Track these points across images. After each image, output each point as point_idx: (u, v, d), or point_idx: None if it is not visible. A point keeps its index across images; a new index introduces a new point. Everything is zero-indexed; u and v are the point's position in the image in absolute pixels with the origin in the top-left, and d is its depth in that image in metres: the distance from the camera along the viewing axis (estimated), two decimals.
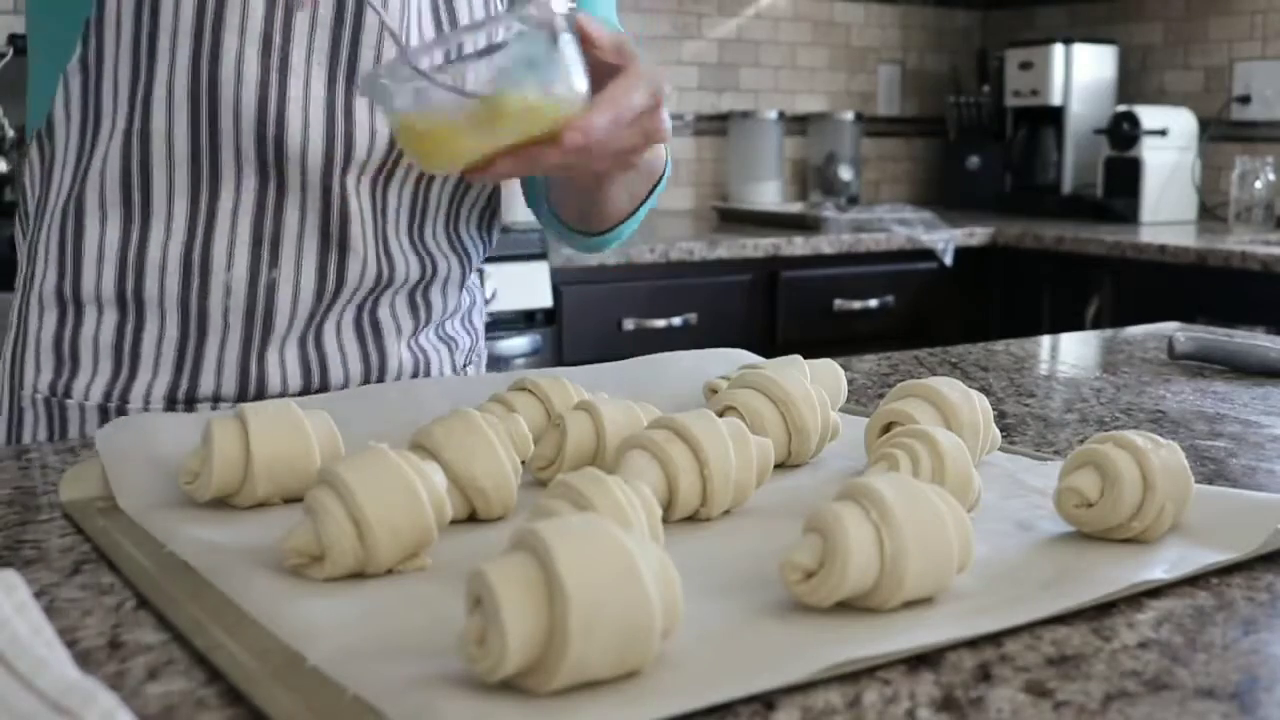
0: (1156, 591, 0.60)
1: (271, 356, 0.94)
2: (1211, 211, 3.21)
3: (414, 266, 0.98)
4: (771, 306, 2.69)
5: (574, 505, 0.58)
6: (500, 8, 0.97)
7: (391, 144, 0.92)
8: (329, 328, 0.96)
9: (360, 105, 0.91)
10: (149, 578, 0.60)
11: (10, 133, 2.33)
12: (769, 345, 2.60)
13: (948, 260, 2.85)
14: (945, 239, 2.85)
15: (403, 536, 0.60)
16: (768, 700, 0.48)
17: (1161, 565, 0.62)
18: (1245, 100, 3.24)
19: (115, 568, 0.63)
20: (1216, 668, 0.52)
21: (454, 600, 0.52)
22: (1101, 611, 0.57)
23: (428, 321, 1.02)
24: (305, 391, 0.95)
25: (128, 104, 0.89)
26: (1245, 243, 2.68)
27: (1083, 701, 0.49)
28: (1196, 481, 0.68)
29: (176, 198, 0.90)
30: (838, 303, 2.75)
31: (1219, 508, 0.69)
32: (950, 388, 0.79)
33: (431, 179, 0.96)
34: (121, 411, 0.93)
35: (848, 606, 0.56)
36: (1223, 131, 3.24)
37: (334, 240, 0.93)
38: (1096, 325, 2.71)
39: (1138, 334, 1.40)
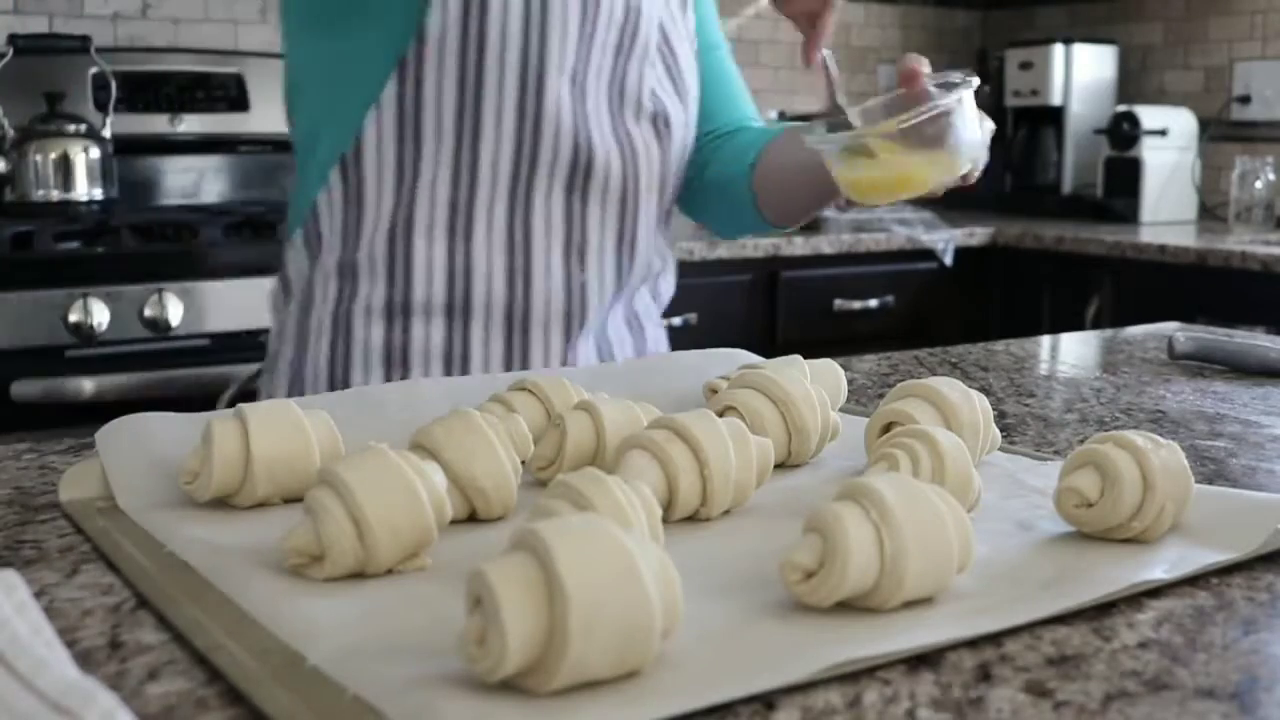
0: (1157, 591, 0.60)
1: (581, 348, 1.08)
2: (1211, 211, 3.21)
3: (655, 260, 1.16)
4: (771, 306, 2.69)
5: (574, 505, 0.58)
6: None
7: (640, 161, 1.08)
8: (613, 319, 1.13)
9: (635, 127, 1.07)
10: (149, 578, 0.60)
11: (10, 132, 2.33)
12: (769, 345, 2.60)
13: (948, 260, 2.85)
14: (945, 239, 2.85)
15: (403, 536, 0.60)
16: (768, 700, 0.48)
17: (1162, 565, 0.62)
18: (1245, 100, 3.24)
19: (115, 568, 0.63)
20: (1216, 668, 0.52)
21: (454, 600, 0.52)
22: (1101, 611, 0.57)
23: (658, 308, 1.21)
24: None
25: (453, 135, 1.00)
26: (1245, 243, 2.68)
27: (1083, 701, 0.49)
28: (1197, 481, 0.68)
29: (496, 216, 1.02)
30: (838, 303, 2.75)
31: (1219, 508, 0.69)
32: (950, 388, 0.79)
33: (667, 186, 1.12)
34: None
35: (848, 606, 0.56)
36: (1223, 131, 3.24)
37: (626, 242, 1.09)
38: (1096, 325, 2.71)
39: (1138, 334, 1.40)
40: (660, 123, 1.08)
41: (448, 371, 1.04)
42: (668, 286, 1.20)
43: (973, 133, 0.90)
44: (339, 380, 1.04)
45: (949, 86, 0.89)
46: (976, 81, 0.89)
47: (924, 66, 0.91)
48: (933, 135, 0.87)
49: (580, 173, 1.03)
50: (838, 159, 0.91)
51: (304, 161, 1.07)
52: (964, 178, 0.93)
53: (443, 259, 1.02)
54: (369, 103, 0.98)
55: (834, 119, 0.93)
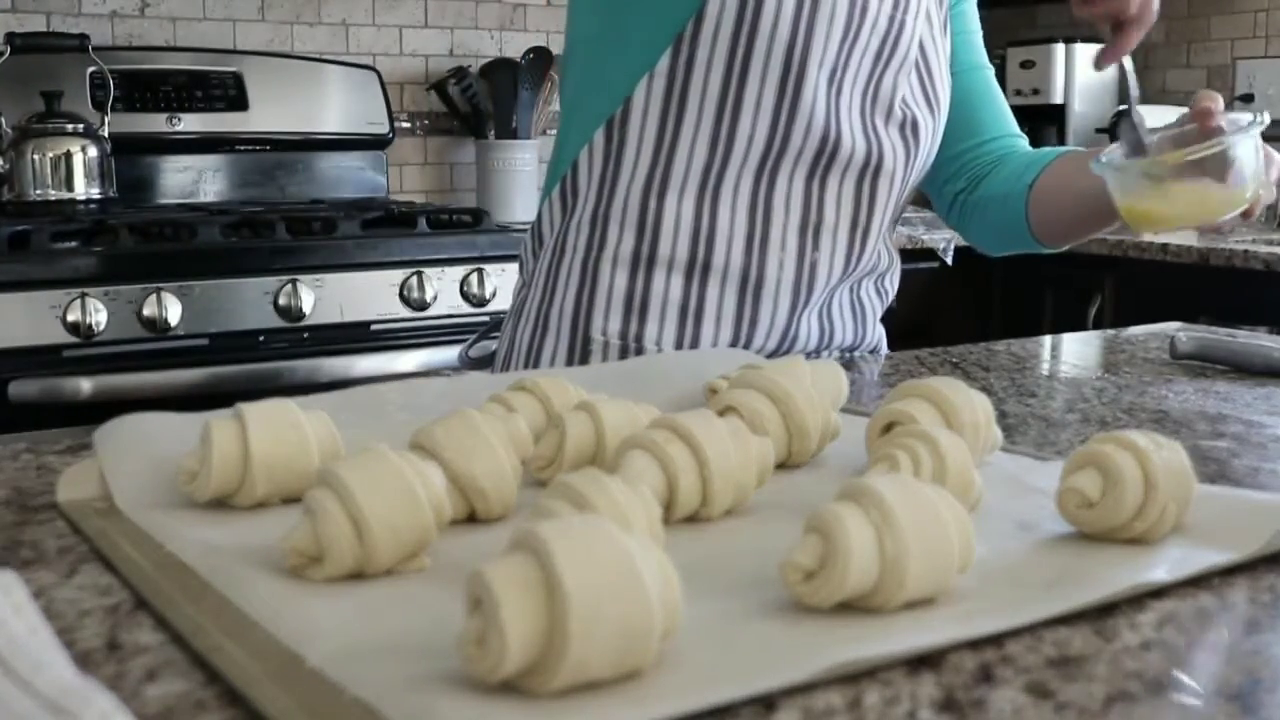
0: (1158, 592, 0.60)
1: (804, 320, 1.15)
2: None
3: (884, 255, 1.22)
4: None
5: (574, 505, 0.58)
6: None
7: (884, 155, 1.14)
8: (838, 300, 1.19)
9: (884, 129, 1.14)
10: (147, 578, 0.60)
11: (8, 131, 2.33)
12: None
13: (949, 260, 2.85)
14: (946, 238, 2.85)
15: (402, 537, 0.59)
16: (768, 701, 0.48)
17: (1163, 566, 0.61)
18: (1248, 99, 3.24)
19: (113, 568, 0.63)
20: (1219, 669, 0.52)
21: (454, 601, 0.51)
22: (1103, 612, 0.57)
23: (882, 304, 1.27)
24: (816, 351, 1.18)
25: (715, 109, 1.08)
26: (1248, 242, 2.68)
27: (1084, 703, 0.49)
28: (1199, 482, 0.68)
29: (743, 186, 1.10)
30: None
31: (1221, 508, 0.69)
32: (951, 388, 0.79)
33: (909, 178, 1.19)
34: None
35: (848, 607, 0.55)
36: None
37: (859, 230, 1.16)
38: (1098, 325, 2.71)
39: (1140, 334, 1.39)
40: (909, 129, 1.15)
41: (683, 323, 1.12)
42: (893, 284, 1.27)
43: (1258, 170, 0.93)
44: (581, 324, 1.13)
45: (1238, 124, 0.92)
46: (1266, 121, 0.93)
47: (1217, 104, 0.96)
48: (1218, 171, 0.90)
49: (824, 160, 1.11)
50: (1120, 186, 0.95)
51: (567, 123, 1.16)
52: (1245, 214, 0.96)
53: (690, 219, 1.11)
54: (642, 72, 1.08)
55: (1127, 135, 0.98)
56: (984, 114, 1.27)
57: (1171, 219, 0.95)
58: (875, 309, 1.25)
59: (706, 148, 1.09)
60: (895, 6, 1.12)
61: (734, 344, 1.12)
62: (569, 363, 1.14)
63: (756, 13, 1.05)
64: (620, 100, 1.10)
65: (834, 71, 1.08)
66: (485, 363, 1.31)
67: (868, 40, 1.10)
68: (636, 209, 1.11)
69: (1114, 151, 0.99)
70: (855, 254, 1.17)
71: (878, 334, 1.26)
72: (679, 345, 1.12)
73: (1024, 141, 1.30)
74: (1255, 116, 0.91)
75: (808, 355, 1.18)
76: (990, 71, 1.31)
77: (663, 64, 1.08)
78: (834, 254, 1.16)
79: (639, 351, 1.12)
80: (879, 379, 1.14)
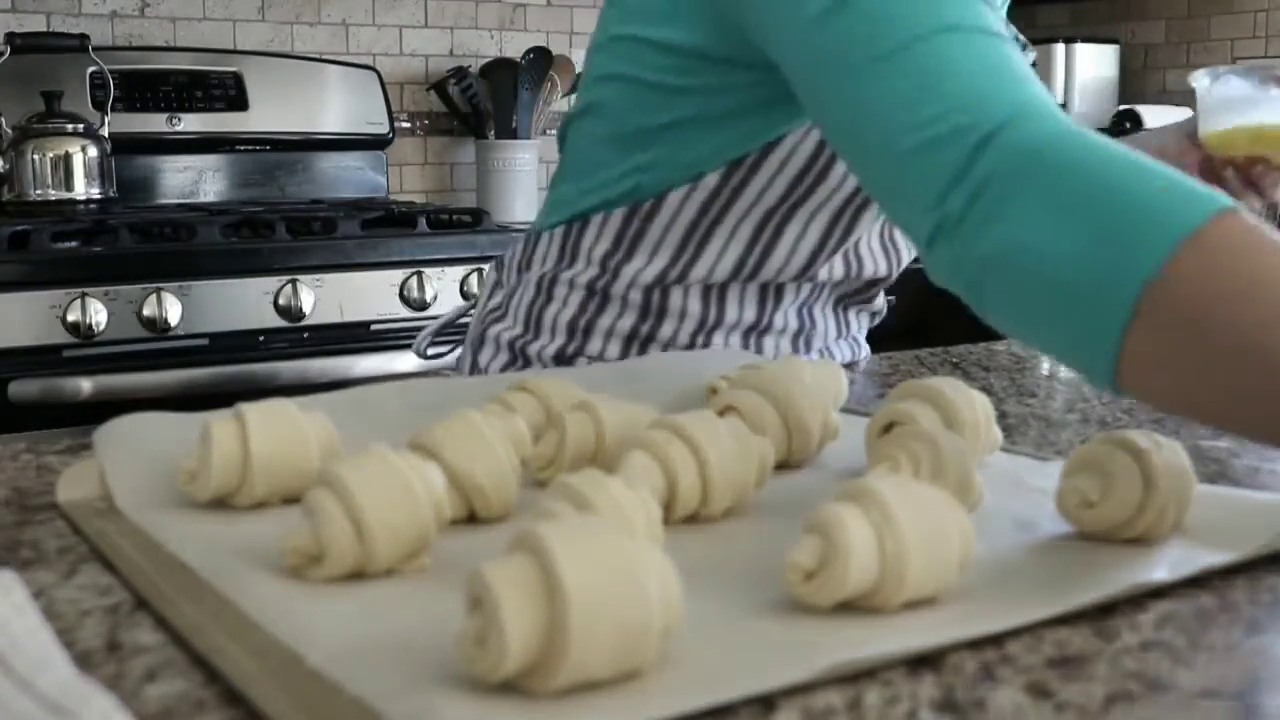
0: (1159, 592, 0.60)
1: (777, 319, 1.12)
2: None
3: (883, 264, 1.16)
4: None
5: (574, 506, 0.58)
6: None
7: None
8: (819, 304, 1.16)
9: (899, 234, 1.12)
10: (147, 578, 0.60)
11: (8, 131, 2.33)
12: None
13: None
14: None
15: (402, 537, 0.59)
16: (768, 700, 0.48)
17: (1163, 566, 0.61)
18: None
19: (113, 568, 0.63)
20: (1219, 669, 0.52)
21: (453, 601, 0.51)
22: (1103, 612, 0.57)
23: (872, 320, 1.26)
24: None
25: (749, 237, 1.06)
26: None
27: (1084, 703, 0.49)
28: (1199, 482, 0.68)
29: (749, 290, 1.10)
30: None
31: (1222, 508, 0.69)
32: (951, 388, 0.79)
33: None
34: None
35: (848, 607, 0.55)
36: None
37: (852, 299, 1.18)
38: None
39: None
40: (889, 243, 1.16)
41: (701, 325, 1.09)
42: (881, 302, 1.26)
43: None
44: (579, 330, 1.10)
45: None
46: None
47: None
48: None
49: (848, 284, 1.14)
50: (1212, 108, 0.92)
51: (587, 164, 1.10)
52: None
53: (697, 313, 1.09)
54: (685, 178, 1.03)
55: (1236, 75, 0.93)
56: None
57: (1253, 137, 0.91)
58: (861, 327, 1.25)
59: (732, 266, 1.06)
60: None
61: (759, 318, 1.12)
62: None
63: (830, 161, 0.99)
64: (655, 190, 1.04)
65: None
66: (443, 355, 1.29)
67: None
68: (640, 296, 1.08)
69: (1204, 76, 0.94)
70: (848, 313, 1.21)
71: (861, 350, 1.25)
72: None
73: None
74: None
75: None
76: None
77: (711, 179, 1.01)
78: (826, 321, 1.18)
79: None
80: (879, 379, 1.14)
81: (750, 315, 1.10)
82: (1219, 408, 0.62)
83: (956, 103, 0.69)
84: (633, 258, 1.08)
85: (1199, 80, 0.93)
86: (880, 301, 1.25)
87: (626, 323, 1.09)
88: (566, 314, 1.11)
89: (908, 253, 1.16)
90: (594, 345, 1.10)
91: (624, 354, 1.10)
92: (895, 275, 1.19)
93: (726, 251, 1.06)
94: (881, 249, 1.14)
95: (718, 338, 1.10)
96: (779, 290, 1.10)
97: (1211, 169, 0.95)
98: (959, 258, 0.69)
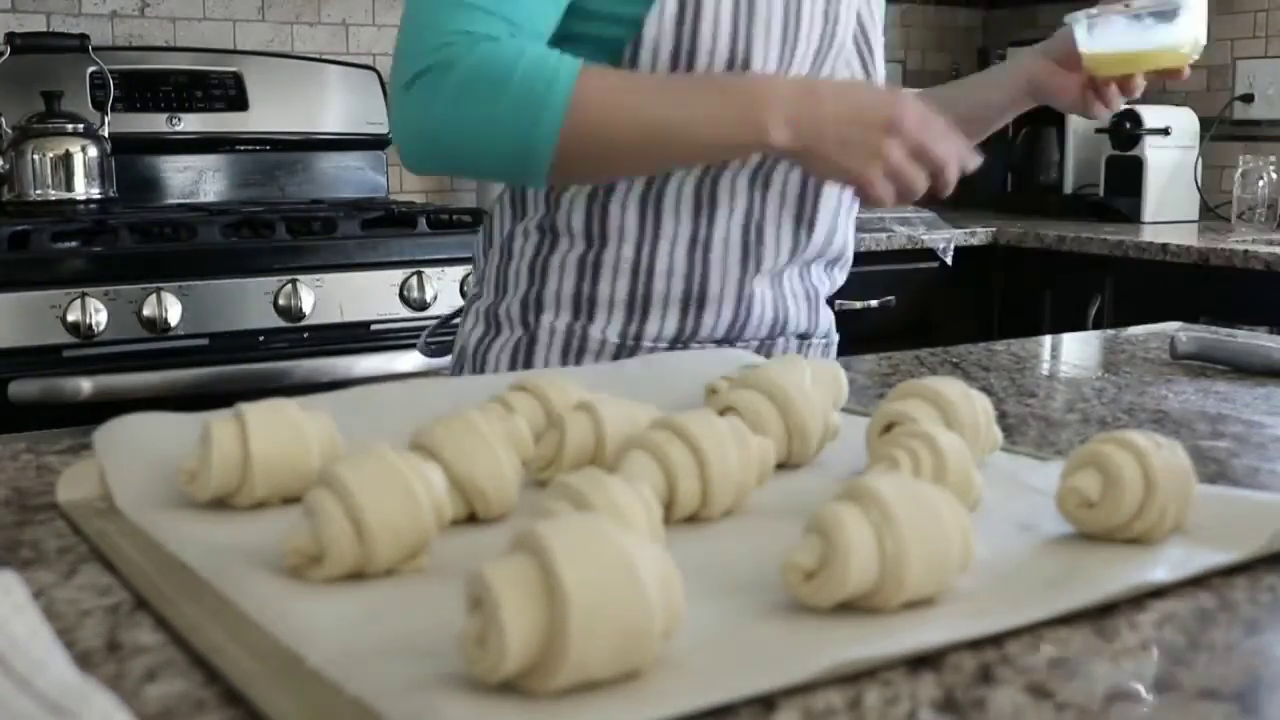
0: (1158, 592, 0.60)
1: (757, 286, 1.16)
2: (1214, 211, 3.21)
3: (838, 241, 1.22)
4: None
5: (574, 505, 0.58)
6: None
7: None
8: (789, 277, 1.19)
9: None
10: (147, 578, 0.60)
11: (8, 131, 2.33)
12: None
13: (949, 260, 2.85)
14: (946, 238, 2.85)
15: (402, 537, 0.59)
16: (768, 700, 0.48)
17: (1163, 566, 0.61)
18: (1248, 99, 3.24)
19: (113, 568, 0.63)
20: (1219, 669, 0.52)
21: (453, 601, 0.51)
22: (1103, 612, 0.57)
23: (832, 288, 1.28)
24: (770, 336, 1.19)
25: None
26: (1248, 242, 2.68)
27: (1084, 703, 0.49)
28: (1199, 482, 0.68)
29: (685, 191, 1.13)
30: (838, 303, 2.74)
31: (1222, 509, 0.69)
32: (951, 388, 0.79)
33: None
34: (635, 351, 1.14)
35: (848, 607, 0.55)
36: (1225, 130, 3.24)
37: (804, 221, 1.17)
38: (1098, 325, 2.70)
39: (1140, 334, 1.39)
40: None
41: (629, 316, 1.15)
42: (843, 274, 1.28)
43: (1199, 35, 1.14)
44: (531, 322, 1.16)
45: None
46: None
47: None
48: (1167, 26, 1.13)
49: (767, 160, 1.12)
50: (1088, 34, 1.15)
51: None
52: (1180, 71, 1.17)
53: (634, 225, 1.13)
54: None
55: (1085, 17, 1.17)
56: None
57: (1129, 59, 1.15)
58: (824, 290, 1.26)
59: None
60: (829, 2, 1.12)
61: (679, 332, 1.15)
62: (513, 359, 1.17)
63: (695, 31, 1.05)
64: None
65: (777, 72, 1.08)
66: (447, 350, 1.32)
67: (806, 42, 1.10)
68: (582, 217, 1.13)
69: (1081, 17, 1.17)
70: (801, 244, 1.19)
71: (828, 319, 1.27)
72: (623, 337, 1.14)
73: None
74: None
75: (761, 342, 1.19)
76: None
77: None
78: (779, 244, 1.17)
79: (584, 341, 1.15)
80: (879, 379, 1.14)
81: (687, 227, 1.13)
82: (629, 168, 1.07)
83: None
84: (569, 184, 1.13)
85: (1077, 26, 1.15)
86: (845, 258, 1.27)
87: (574, 254, 1.14)
88: (525, 264, 1.17)
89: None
90: (550, 285, 1.15)
91: (577, 287, 1.14)
92: (826, 218, 1.20)
93: None
94: (797, 193, 1.17)
95: (661, 252, 1.12)
96: (714, 199, 1.13)
97: (1093, 82, 1.19)
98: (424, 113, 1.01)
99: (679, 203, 1.12)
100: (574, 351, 1.15)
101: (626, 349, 1.14)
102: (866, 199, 1.04)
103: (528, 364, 1.16)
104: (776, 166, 1.13)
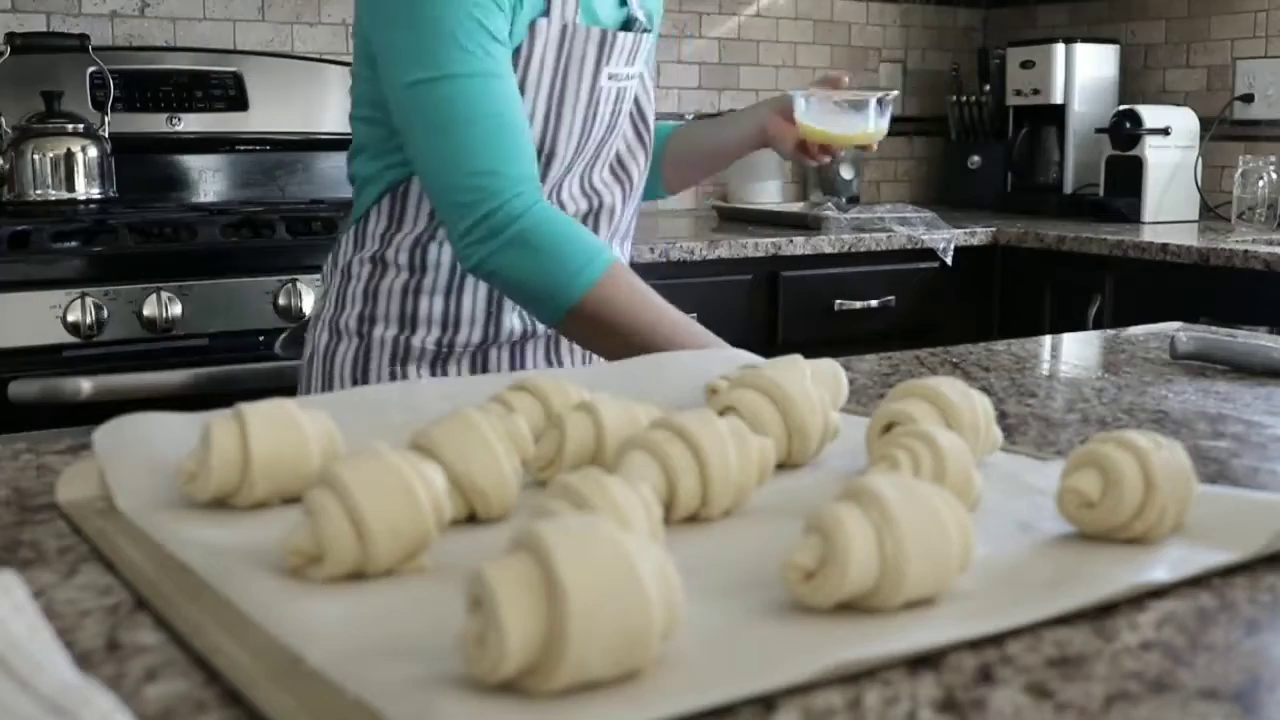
0: (1159, 592, 0.60)
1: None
2: (1214, 211, 3.21)
3: (617, 192, 1.41)
4: (772, 306, 2.69)
5: (574, 506, 0.58)
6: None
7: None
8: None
9: (599, 176, 1.39)
10: (147, 578, 0.60)
11: (8, 131, 2.33)
12: (769, 345, 2.60)
13: (948, 260, 2.85)
14: (946, 238, 2.85)
15: (402, 537, 0.59)
16: (768, 700, 0.48)
17: (1163, 566, 0.61)
18: (1248, 99, 3.24)
19: (113, 568, 0.63)
20: (1219, 669, 0.52)
21: (454, 601, 0.51)
22: (1103, 612, 0.57)
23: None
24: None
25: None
26: (1248, 242, 2.67)
27: (1084, 703, 0.49)
28: (1199, 482, 0.68)
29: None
30: (838, 303, 2.74)
31: (1222, 508, 0.69)
32: (951, 388, 0.79)
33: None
34: (449, 355, 1.34)
35: (848, 607, 0.55)
36: (1225, 130, 3.24)
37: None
38: (1098, 325, 2.70)
39: (1140, 334, 1.39)
40: (622, 173, 1.41)
41: (445, 326, 1.34)
42: (625, 245, 1.47)
43: (882, 127, 1.43)
44: (365, 332, 1.35)
45: (874, 96, 1.43)
46: (894, 94, 1.46)
47: (844, 81, 1.44)
48: (860, 114, 1.42)
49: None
50: (804, 109, 1.42)
51: (362, 178, 1.37)
52: (868, 149, 1.45)
53: (447, 261, 1.33)
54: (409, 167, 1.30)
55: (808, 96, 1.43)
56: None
57: (834, 138, 1.42)
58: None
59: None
60: (616, 100, 1.35)
61: (483, 339, 1.34)
62: (354, 364, 1.36)
63: None
64: (402, 179, 1.32)
65: (570, 161, 1.32)
66: (299, 354, 1.47)
67: (597, 132, 1.34)
68: (406, 254, 1.34)
69: (800, 95, 1.44)
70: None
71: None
72: (439, 344, 1.34)
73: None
74: (885, 94, 1.42)
75: (548, 334, 1.38)
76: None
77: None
78: None
79: (407, 349, 1.34)
80: (879, 379, 1.14)
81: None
82: (607, 354, 1.22)
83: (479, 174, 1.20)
84: (400, 228, 1.34)
85: (797, 99, 1.42)
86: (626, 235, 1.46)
87: (399, 281, 1.34)
88: (360, 286, 1.37)
89: (638, 178, 1.42)
90: (380, 305, 1.35)
91: (401, 306, 1.34)
92: (630, 209, 1.42)
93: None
94: (614, 178, 1.39)
95: (469, 282, 1.33)
96: None
97: (803, 143, 1.43)
98: (479, 262, 1.21)
99: None
100: (399, 358, 1.34)
101: (442, 354, 1.34)
102: None
103: (364, 368, 1.35)
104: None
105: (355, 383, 1.35)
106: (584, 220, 1.36)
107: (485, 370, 1.37)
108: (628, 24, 1.35)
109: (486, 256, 1.19)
